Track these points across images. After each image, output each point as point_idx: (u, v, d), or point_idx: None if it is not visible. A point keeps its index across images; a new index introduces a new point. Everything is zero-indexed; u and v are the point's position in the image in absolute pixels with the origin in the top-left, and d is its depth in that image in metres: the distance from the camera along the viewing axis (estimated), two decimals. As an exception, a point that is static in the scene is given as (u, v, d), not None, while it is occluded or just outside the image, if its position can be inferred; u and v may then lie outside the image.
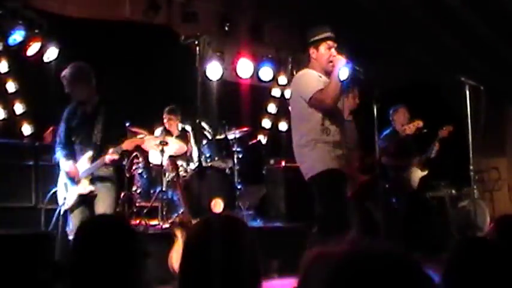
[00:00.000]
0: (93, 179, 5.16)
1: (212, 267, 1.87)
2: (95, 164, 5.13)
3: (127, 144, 5.16)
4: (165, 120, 7.71)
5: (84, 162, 5.16)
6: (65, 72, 5.21)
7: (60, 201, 5.27)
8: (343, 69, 4.82)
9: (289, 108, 5.18)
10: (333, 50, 4.89)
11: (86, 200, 5.13)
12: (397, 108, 7.32)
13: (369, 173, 6.16)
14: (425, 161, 7.26)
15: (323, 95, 4.74)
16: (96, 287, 2.07)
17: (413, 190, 7.31)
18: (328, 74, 4.85)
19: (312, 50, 4.94)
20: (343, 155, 4.87)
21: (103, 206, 5.08)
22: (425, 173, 7.35)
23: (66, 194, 5.22)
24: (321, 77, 4.88)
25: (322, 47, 4.90)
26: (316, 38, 4.91)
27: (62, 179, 5.27)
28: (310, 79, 4.88)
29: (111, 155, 5.06)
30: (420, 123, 6.58)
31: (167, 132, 7.55)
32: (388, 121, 7.32)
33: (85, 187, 5.12)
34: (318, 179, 4.74)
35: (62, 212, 5.26)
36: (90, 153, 5.14)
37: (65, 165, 5.20)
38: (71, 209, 5.16)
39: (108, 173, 5.22)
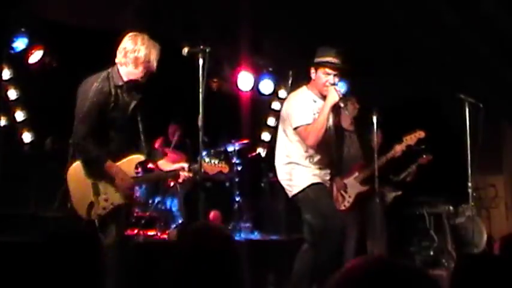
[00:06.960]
0: None
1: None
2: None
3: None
4: (170, 130, 7.70)
5: None
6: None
7: None
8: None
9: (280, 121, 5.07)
10: (330, 77, 4.74)
11: None
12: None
13: (367, 184, 6.16)
14: (398, 182, 7.20)
15: (306, 133, 4.68)
16: None
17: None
18: (324, 97, 4.77)
19: (312, 70, 4.83)
20: (326, 173, 4.90)
21: None
22: (399, 193, 7.30)
23: None
24: (315, 101, 4.82)
25: (320, 71, 4.77)
26: (317, 59, 4.81)
27: None
28: (303, 105, 4.79)
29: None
30: (422, 134, 6.20)
31: (167, 143, 7.55)
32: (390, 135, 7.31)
33: None
34: (301, 196, 4.78)
35: None
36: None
37: None
38: None
39: None
